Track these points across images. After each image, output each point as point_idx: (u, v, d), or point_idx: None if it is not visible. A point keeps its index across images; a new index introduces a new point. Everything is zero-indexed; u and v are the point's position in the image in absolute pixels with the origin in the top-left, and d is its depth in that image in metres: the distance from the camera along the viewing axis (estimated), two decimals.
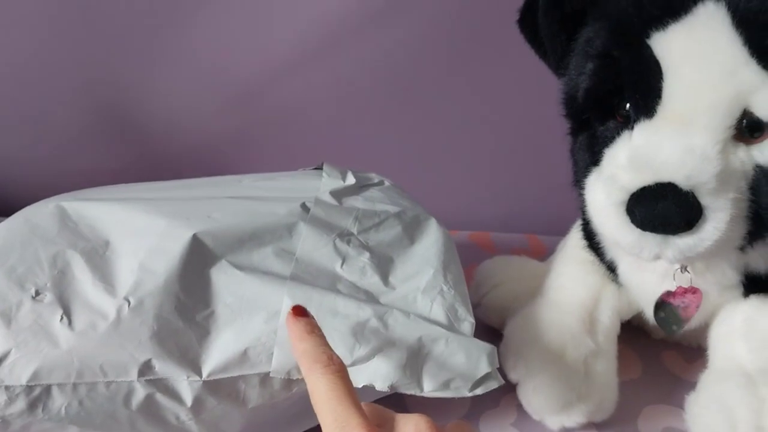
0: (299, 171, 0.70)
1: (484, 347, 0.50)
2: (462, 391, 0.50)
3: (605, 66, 0.49)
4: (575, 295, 0.61)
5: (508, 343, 0.61)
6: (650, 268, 0.57)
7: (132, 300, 0.48)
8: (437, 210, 0.66)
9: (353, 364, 0.48)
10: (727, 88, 0.45)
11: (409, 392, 0.49)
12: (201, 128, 0.95)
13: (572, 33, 0.53)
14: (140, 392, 0.46)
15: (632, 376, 0.65)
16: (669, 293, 0.56)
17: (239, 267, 0.52)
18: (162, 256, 0.51)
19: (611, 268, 0.61)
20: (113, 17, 0.86)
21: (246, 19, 0.86)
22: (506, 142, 0.92)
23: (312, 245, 0.55)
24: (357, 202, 0.62)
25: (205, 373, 0.47)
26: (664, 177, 0.45)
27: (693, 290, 0.55)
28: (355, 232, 0.58)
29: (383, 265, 0.56)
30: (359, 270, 0.55)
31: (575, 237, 0.66)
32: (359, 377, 0.48)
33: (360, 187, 0.66)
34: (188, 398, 0.47)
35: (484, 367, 0.49)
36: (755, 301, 0.56)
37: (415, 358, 0.49)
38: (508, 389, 0.58)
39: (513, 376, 0.59)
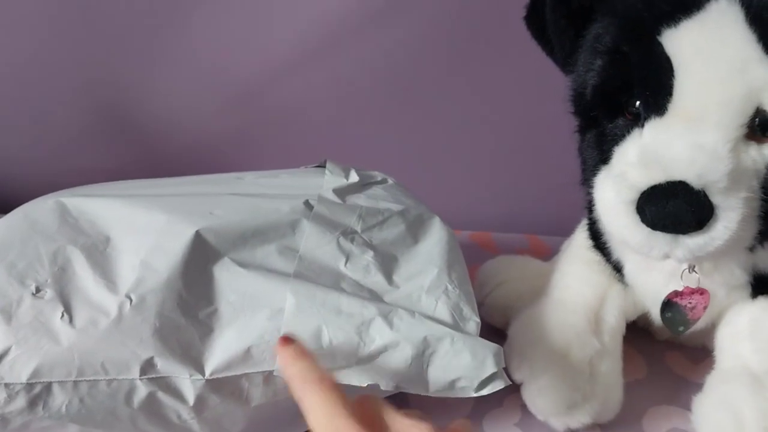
0: (302, 168, 0.70)
1: (490, 347, 0.50)
2: (468, 391, 0.49)
3: (615, 62, 0.49)
4: (581, 295, 0.61)
5: (512, 342, 0.60)
6: (657, 267, 0.56)
7: (134, 297, 0.47)
8: (438, 210, 0.65)
9: (358, 363, 0.48)
10: (739, 85, 0.44)
11: (414, 392, 0.49)
12: (201, 128, 0.94)
13: (580, 29, 0.52)
14: (142, 390, 0.45)
15: (637, 376, 0.64)
16: (676, 293, 0.55)
17: (242, 264, 0.51)
18: (164, 253, 0.50)
19: (617, 268, 0.61)
20: (113, 17, 0.86)
21: (246, 19, 0.86)
22: (506, 142, 0.92)
23: (315, 243, 0.55)
24: (360, 199, 0.62)
25: (207, 372, 0.46)
26: (675, 175, 0.45)
27: (701, 291, 0.55)
28: (359, 230, 0.58)
29: (387, 264, 0.56)
30: (363, 268, 0.54)
31: (581, 237, 0.65)
32: (364, 376, 0.48)
33: (363, 184, 0.65)
34: (190, 396, 0.46)
35: (490, 367, 0.49)
36: (762, 302, 0.56)
37: (420, 358, 0.49)
38: (513, 389, 0.57)
39: (517, 376, 0.58)
